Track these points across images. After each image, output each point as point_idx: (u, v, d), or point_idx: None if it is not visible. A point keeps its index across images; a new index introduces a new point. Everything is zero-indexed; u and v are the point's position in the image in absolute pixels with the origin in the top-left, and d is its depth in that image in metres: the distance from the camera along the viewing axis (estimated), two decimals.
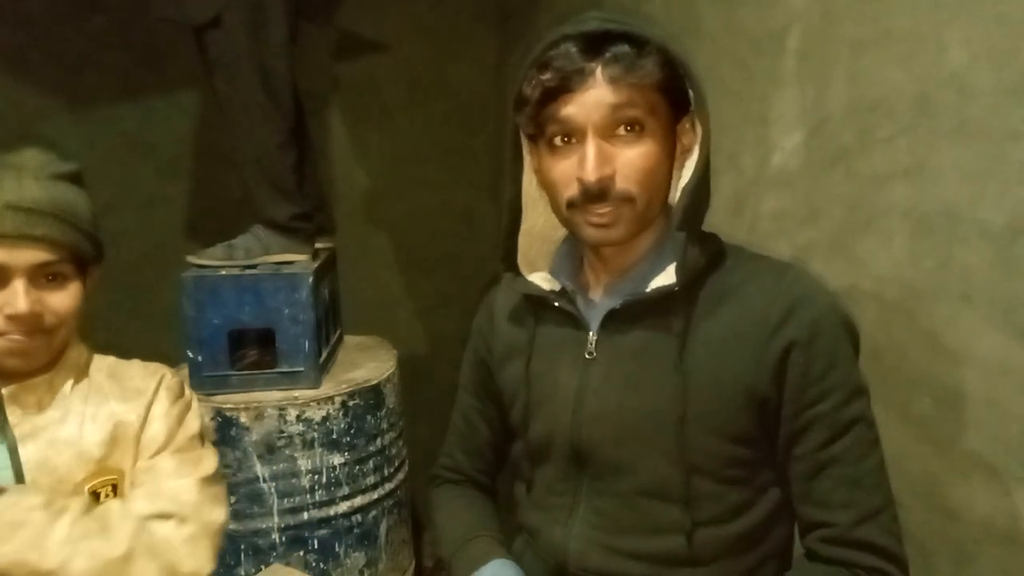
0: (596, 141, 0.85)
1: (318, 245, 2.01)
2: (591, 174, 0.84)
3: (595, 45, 0.85)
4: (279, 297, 1.82)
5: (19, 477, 0.98)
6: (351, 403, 1.85)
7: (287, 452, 1.78)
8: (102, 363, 1.10)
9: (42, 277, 0.96)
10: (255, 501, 1.77)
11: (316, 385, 1.84)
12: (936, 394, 1.00)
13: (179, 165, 2.51)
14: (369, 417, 1.89)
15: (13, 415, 0.99)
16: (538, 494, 1.02)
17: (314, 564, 1.82)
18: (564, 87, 0.85)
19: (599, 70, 0.84)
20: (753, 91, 1.33)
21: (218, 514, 1.06)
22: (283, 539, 1.79)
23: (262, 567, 1.74)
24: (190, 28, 1.84)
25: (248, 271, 1.84)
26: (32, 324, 0.95)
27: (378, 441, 1.92)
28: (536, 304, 1.01)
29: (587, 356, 0.95)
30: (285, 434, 1.77)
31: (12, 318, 0.94)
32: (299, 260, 1.90)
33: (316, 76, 2.46)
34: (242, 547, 1.77)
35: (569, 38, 0.86)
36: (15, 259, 0.93)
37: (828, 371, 0.85)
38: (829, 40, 1.16)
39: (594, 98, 0.84)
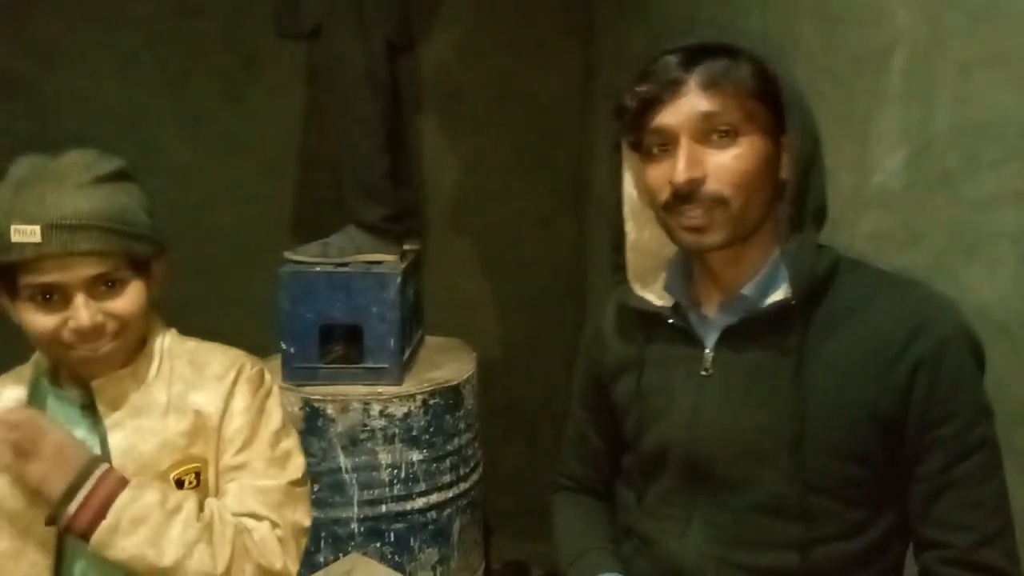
0: (688, 144, 0.88)
1: (406, 247, 2.07)
2: (681, 175, 0.87)
3: (692, 57, 0.88)
4: (368, 295, 1.88)
5: None
6: (431, 402, 1.90)
7: (369, 445, 1.84)
8: (184, 348, 1.11)
9: (100, 286, 0.97)
10: (337, 491, 1.83)
11: (399, 382, 1.90)
12: None
13: (275, 165, 2.61)
14: (448, 416, 1.94)
15: (102, 405, 1.04)
16: (650, 503, 1.04)
17: (390, 556, 1.87)
18: (659, 97, 0.89)
19: (692, 79, 0.88)
20: (853, 109, 1.32)
21: (302, 516, 1.09)
22: (361, 530, 1.85)
23: (340, 555, 1.80)
24: (299, 37, 1.94)
25: (340, 269, 1.91)
26: (97, 334, 0.98)
27: (455, 441, 1.96)
28: (647, 319, 1.02)
29: (703, 373, 0.96)
30: (368, 428, 1.84)
31: (76, 331, 0.96)
32: (388, 260, 1.97)
33: (408, 83, 2.53)
34: (322, 535, 1.84)
35: (669, 52, 0.90)
36: (69, 276, 0.94)
37: (954, 392, 0.85)
38: (936, 60, 1.14)
39: (687, 105, 0.88)
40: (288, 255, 1.95)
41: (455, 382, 1.97)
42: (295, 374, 1.87)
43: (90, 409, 1.04)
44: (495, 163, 2.77)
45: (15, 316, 0.99)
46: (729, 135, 0.88)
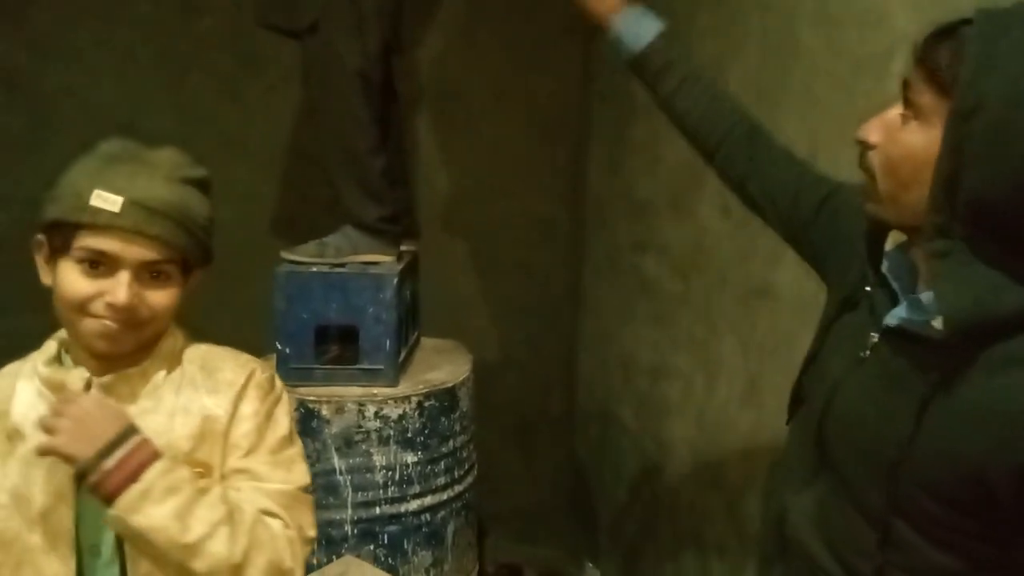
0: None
1: (403, 247, 2.07)
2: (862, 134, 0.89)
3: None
4: (365, 296, 1.87)
5: None
6: (427, 403, 1.89)
7: (364, 447, 1.83)
8: (195, 352, 1.12)
9: (147, 273, 1.00)
10: (331, 492, 1.82)
11: (394, 383, 1.89)
12: None
13: (273, 164, 2.61)
14: (443, 418, 1.93)
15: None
16: (788, 444, 1.03)
17: (383, 559, 1.86)
18: None
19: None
20: (853, 111, 1.31)
21: (308, 525, 1.07)
22: (355, 532, 1.84)
23: (334, 557, 1.79)
24: (292, 34, 1.92)
25: (337, 269, 1.90)
26: (128, 315, 0.99)
27: (450, 443, 1.95)
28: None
29: (860, 355, 0.90)
30: (363, 429, 1.83)
31: (111, 306, 0.98)
32: (385, 261, 1.96)
33: (404, 83, 2.53)
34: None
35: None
36: (127, 252, 0.97)
37: None
38: None
39: None
40: (284, 254, 1.94)
41: (451, 384, 1.96)
42: (290, 375, 1.86)
43: None
44: (493, 164, 2.76)
45: (47, 274, 1.02)
46: (907, 116, 0.83)
